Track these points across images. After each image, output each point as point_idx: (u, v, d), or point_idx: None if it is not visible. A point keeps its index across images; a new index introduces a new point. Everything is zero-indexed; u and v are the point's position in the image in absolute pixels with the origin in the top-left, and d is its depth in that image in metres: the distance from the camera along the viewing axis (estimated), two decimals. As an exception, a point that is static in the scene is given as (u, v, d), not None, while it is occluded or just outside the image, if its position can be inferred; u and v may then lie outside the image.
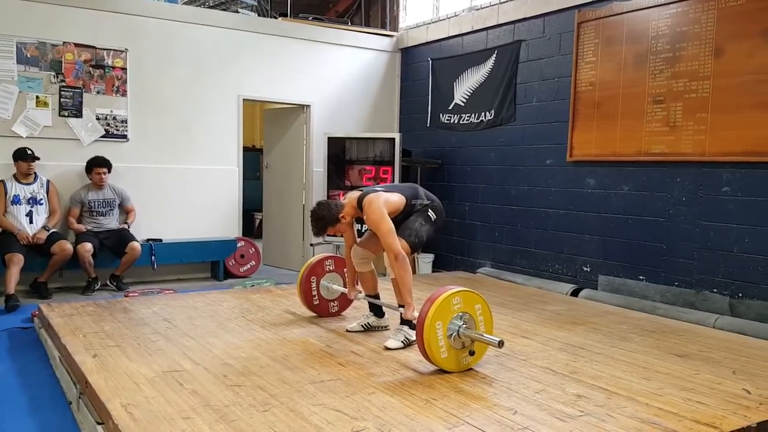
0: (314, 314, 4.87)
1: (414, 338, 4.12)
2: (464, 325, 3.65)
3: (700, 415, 3.05)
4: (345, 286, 4.76)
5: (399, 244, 4.02)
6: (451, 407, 3.07)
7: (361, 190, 4.28)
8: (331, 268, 4.89)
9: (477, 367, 3.70)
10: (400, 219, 4.26)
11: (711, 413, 3.07)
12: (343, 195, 7.63)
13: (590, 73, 6.22)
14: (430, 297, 3.64)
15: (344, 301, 4.92)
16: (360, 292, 4.60)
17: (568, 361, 3.87)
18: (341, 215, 4.20)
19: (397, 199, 4.22)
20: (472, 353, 3.71)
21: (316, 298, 4.84)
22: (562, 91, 6.51)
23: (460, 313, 3.65)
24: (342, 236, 4.51)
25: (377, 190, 4.25)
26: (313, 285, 4.82)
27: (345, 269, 4.76)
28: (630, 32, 5.87)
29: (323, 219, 4.17)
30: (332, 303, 4.91)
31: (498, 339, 3.55)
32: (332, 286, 4.84)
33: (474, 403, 3.14)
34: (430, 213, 4.28)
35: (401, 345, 4.07)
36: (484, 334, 3.67)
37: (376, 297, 4.52)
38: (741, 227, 5.13)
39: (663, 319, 5.14)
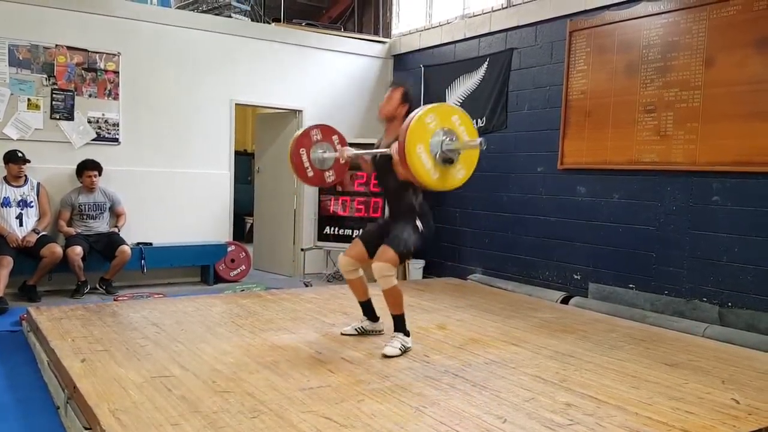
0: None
1: (410, 345, 4.14)
2: (447, 139, 3.61)
3: (689, 424, 3.06)
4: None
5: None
6: (441, 415, 3.07)
7: None
8: (318, 138, 4.72)
9: (467, 375, 3.70)
10: (392, 209, 4.29)
11: (700, 423, 3.08)
12: (335, 200, 7.71)
13: (582, 81, 6.24)
14: (404, 125, 3.64)
15: (339, 168, 4.78)
16: (350, 149, 4.51)
17: (558, 369, 3.88)
18: (406, 109, 4.15)
19: None
20: (452, 162, 3.70)
21: (310, 169, 4.68)
22: (554, 99, 6.53)
23: (439, 129, 3.61)
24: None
25: None
26: (304, 157, 4.65)
27: (333, 135, 4.70)
28: (621, 41, 5.90)
29: (407, 91, 4.19)
30: (327, 172, 4.76)
31: (479, 139, 3.58)
32: (323, 154, 4.70)
33: (464, 411, 3.14)
34: (419, 223, 4.20)
35: (399, 352, 4.06)
36: (466, 141, 3.65)
37: (368, 303, 4.51)
38: (731, 236, 5.16)
39: (652, 328, 5.16)
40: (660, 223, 5.63)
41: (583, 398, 3.37)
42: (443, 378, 3.64)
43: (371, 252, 4.22)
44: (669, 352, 4.38)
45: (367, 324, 4.53)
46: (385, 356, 4.01)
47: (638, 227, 5.80)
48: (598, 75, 6.11)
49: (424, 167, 3.58)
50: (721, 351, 4.51)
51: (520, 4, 7.02)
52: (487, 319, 5.24)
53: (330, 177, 4.81)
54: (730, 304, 5.15)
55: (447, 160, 3.72)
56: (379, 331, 4.53)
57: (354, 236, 7.58)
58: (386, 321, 4.50)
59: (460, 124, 3.74)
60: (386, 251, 4.05)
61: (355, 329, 4.53)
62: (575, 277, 6.33)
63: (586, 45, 6.21)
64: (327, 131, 4.77)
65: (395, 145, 3.85)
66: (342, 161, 4.61)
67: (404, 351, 4.09)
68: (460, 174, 3.70)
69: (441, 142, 3.66)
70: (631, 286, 5.84)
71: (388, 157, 4.04)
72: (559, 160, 6.45)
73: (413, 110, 4.02)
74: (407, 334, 4.18)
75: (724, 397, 3.49)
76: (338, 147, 4.67)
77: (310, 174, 4.71)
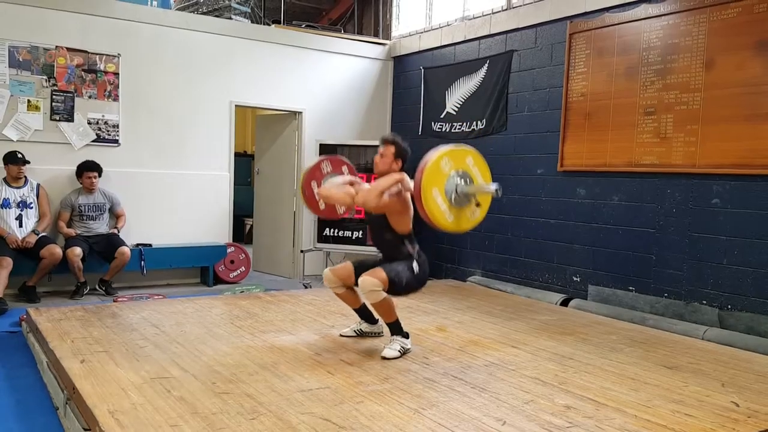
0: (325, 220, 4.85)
1: (409, 346, 4.13)
2: (461, 181, 3.65)
3: (688, 427, 3.06)
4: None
5: (372, 201, 3.99)
6: (440, 417, 3.06)
7: None
8: (328, 170, 4.76)
9: (466, 377, 3.70)
10: (385, 257, 4.23)
11: (699, 426, 3.08)
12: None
13: (582, 83, 6.25)
14: (420, 167, 3.66)
15: None
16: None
17: (558, 372, 3.88)
18: (400, 165, 4.16)
19: (410, 217, 4.16)
20: (478, 204, 3.73)
21: (321, 202, 4.72)
22: (554, 101, 6.54)
23: (453, 172, 3.63)
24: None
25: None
26: (315, 190, 4.69)
27: (342, 166, 4.72)
28: (621, 43, 5.91)
29: (400, 146, 4.17)
30: (338, 205, 4.77)
31: (494, 187, 3.66)
32: (334, 178, 4.68)
33: (463, 413, 3.14)
34: (415, 265, 4.13)
35: (398, 354, 4.06)
36: (481, 186, 3.71)
37: (362, 308, 4.49)
38: (730, 239, 5.16)
39: (652, 330, 5.16)
40: (660, 225, 5.63)
41: (583, 401, 3.37)
42: (442, 380, 3.64)
43: (358, 276, 4.17)
44: (669, 355, 4.38)
45: (365, 326, 4.53)
46: (385, 358, 4.01)
47: (638, 229, 5.80)
48: (598, 77, 6.11)
49: (439, 209, 3.60)
50: (721, 354, 4.50)
51: (520, 6, 7.03)
52: (487, 321, 5.24)
53: (341, 209, 4.87)
54: (729, 306, 5.15)
55: (461, 202, 3.72)
56: (378, 333, 4.53)
57: (353, 238, 7.61)
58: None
59: (474, 164, 3.78)
60: (377, 271, 4.01)
61: (354, 331, 4.53)
62: (575, 279, 6.33)
63: (586, 47, 6.21)
64: (336, 163, 4.83)
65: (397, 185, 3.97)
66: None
67: (404, 353, 4.09)
68: (475, 215, 3.72)
69: (456, 185, 3.68)
70: (630, 288, 5.84)
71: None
72: (559, 162, 6.45)
73: (405, 164, 4.14)
74: (406, 335, 4.18)
75: (724, 400, 3.49)
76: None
77: (322, 207, 4.76)
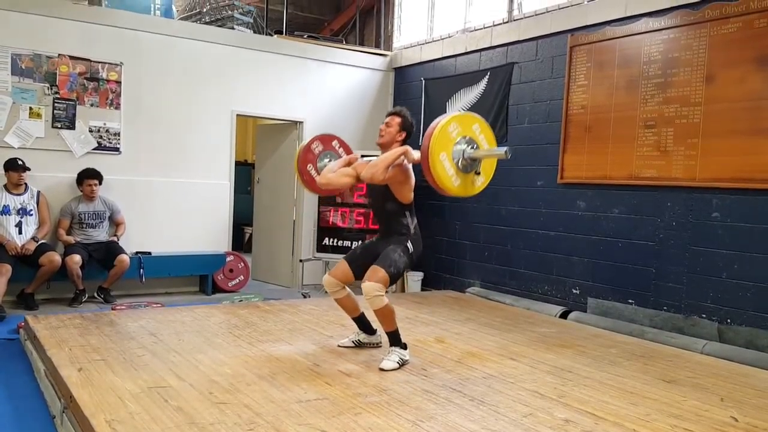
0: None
1: (408, 358, 4.13)
2: (468, 147, 3.70)
3: (686, 441, 3.05)
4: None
5: (380, 175, 3.99)
6: (438, 429, 3.05)
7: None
8: (320, 149, 4.80)
9: (465, 389, 3.69)
10: (384, 230, 4.28)
11: (698, 440, 3.07)
12: (334, 211, 7.72)
13: (582, 96, 6.26)
14: (427, 132, 3.74)
15: None
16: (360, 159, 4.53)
17: (557, 385, 3.87)
18: (404, 137, 4.19)
19: (411, 187, 4.21)
20: (478, 173, 3.80)
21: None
22: (554, 113, 6.55)
23: (460, 138, 3.69)
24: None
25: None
26: (313, 172, 4.72)
27: (332, 141, 4.81)
28: (622, 57, 5.93)
29: (407, 119, 4.21)
30: None
31: (504, 149, 3.73)
32: (330, 163, 4.71)
33: (461, 425, 3.13)
34: (409, 245, 4.18)
35: (396, 366, 4.04)
36: (490, 150, 3.80)
37: (361, 318, 4.49)
38: (730, 253, 5.16)
39: (651, 344, 5.15)
40: (660, 238, 5.63)
41: (582, 414, 3.36)
42: (441, 392, 3.63)
43: (357, 273, 4.22)
44: (668, 369, 4.37)
45: (363, 336, 4.52)
46: (383, 370, 4.00)
47: (638, 242, 5.80)
48: (598, 90, 6.12)
49: (446, 174, 3.70)
50: (720, 368, 4.49)
51: (521, 18, 7.06)
52: (486, 333, 5.23)
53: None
54: (729, 320, 5.14)
55: (468, 167, 3.80)
56: (377, 344, 4.52)
57: (352, 247, 7.60)
58: (383, 333, 4.50)
59: (480, 132, 3.88)
60: (376, 271, 4.02)
61: (352, 341, 4.52)
62: (574, 291, 6.32)
63: (586, 60, 6.23)
64: (326, 139, 4.86)
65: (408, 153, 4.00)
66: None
67: (402, 364, 4.08)
68: (479, 181, 3.81)
69: (462, 150, 3.78)
70: (630, 301, 5.83)
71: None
72: (559, 174, 6.46)
73: (410, 137, 4.18)
74: (404, 347, 4.17)
75: (723, 414, 3.48)
76: (341, 153, 4.75)
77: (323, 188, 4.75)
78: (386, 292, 4.06)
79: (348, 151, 4.90)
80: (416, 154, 4.00)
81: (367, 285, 3.99)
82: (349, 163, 4.44)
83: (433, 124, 3.82)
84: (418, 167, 3.96)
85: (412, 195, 4.23)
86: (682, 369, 4.39)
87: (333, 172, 4.36)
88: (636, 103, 5.79)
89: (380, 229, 4.37)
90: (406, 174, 4.14)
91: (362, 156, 4.60)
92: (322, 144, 4.82)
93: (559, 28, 6.53)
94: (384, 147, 4.20)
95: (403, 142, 4.18)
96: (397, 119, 4.21)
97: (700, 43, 5.35)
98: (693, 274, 5.39)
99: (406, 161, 4.08)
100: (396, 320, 4.13)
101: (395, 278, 4.13)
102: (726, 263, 5.18)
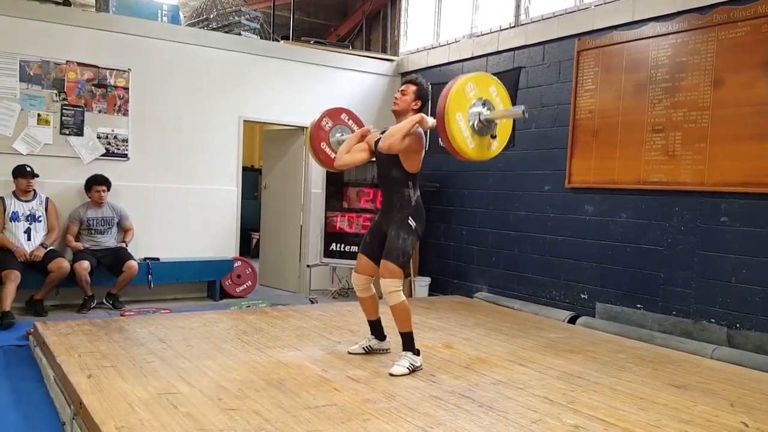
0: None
1: (419, 364, 4.12)
2: (485, 109, 3.72)
3: (697, 447, 3.03)
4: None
5: (398, 145, 4.01)
6: (448, 436, 3.05)
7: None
8: (330, 125, 4.82)
9: (474, 395, 3.68)
10: (385, 203, 4.29)
11: (709, 446, 3.06)
12: (341, 217, 7.72)
13: (589, 100, 6.25)
14: (444, 92, 3.73)
15: None
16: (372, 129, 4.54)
17: (566, 391, 3.85)
18: (419, 105, 4.19)
19: (421, 158, 4.23)
20: (494, 137, 3.81)
21: (332, 153, 4.80)
22: (562, 117, 6.55)
23: (476, 100, 3.69)
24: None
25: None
26: (327, 150, 4.76)
27: (341, 115, 4.82)
28: (630, 61, 5.92)
29: (422, 87, 4.21)
30: None
31: (521, 108, 3.72)
32: (342, 137, 4.75)
33: None
34: (410, 221, 4.17)
35: (406, 371, 4.04)
36: (506, 110, 3.80)
37: (377, 322, 4.50)
38: (739, 257, 5.14)
39: (660, 349, 5.13)
40: (668, 243, 5.62)
41: (592, 420, 3.35)
42: (450, 398, 3.62)
43: (377, 260, 4.25)
44: (677, 374, 4.35)
45: (374, 342, 4.52)
46: (393, 375, 3.99)
47: (646, 247, 5.78)
48: (606, 94, 6.12)
49: (461, 135, 3.72)
50: (730, 373, 4.47)
51: (528, 23, 7.06)
52: (494, 338, 5.22)
53: None
54: (738, 325, 5.12)
55: (483, 130, 3.84)
56: (386, 350, 4.51)
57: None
58: (393, 339, 4.50)
59: (496, 95, 3.90)
60: (388, 266, 4.08)
61: (363, 348, 4.51)
62: (582, 296, 6.31)
63: (594, 64, 6.23)
64: (334, 114, 4.88)
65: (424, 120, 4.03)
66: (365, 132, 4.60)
67: (413, 370, 4.07)
68: (495, 146, 3.82)
69: (478, 113, 3.81)
70: (638, 306, 5.81)
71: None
72: (566, 179, 6.45)
73: (425, 106, 4.20)
74: (417, 353, 4.16)
75: (733, 420, 3.46)
76: (351, 125, 4.81)
77: (332, 156, 4.78)
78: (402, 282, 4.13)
79: (359, 124, 4.91)
80: (431, 121, 4.03)
81: (383, 282, 4.08)
82: (362, 136, 4.47)
83: (449, 84, 3.83)
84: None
85: (419, 166, 4.24)
86: (691, 374, 4.37)
87: (347, 152, 4.40)
88: (644, 107, 5.78)
89: (382, 202, 4.37)
90: (421, 143, 4.17)
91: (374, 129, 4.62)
92: (332, 120, 4.85)
93: (566, 32, 6.53)
94: (399, 115, 4.22)
95: (418, 111, 4.18)
96: (413, 87, 4.21)
97: (708, 48, 5.34)
98: (702, 279, 5.38)
99: (420, 129, 4.10)
100: (412, 323, 4.15)
101: (406, 263, 4.18)
102: (735, 268, 5.16)
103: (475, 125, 3.83)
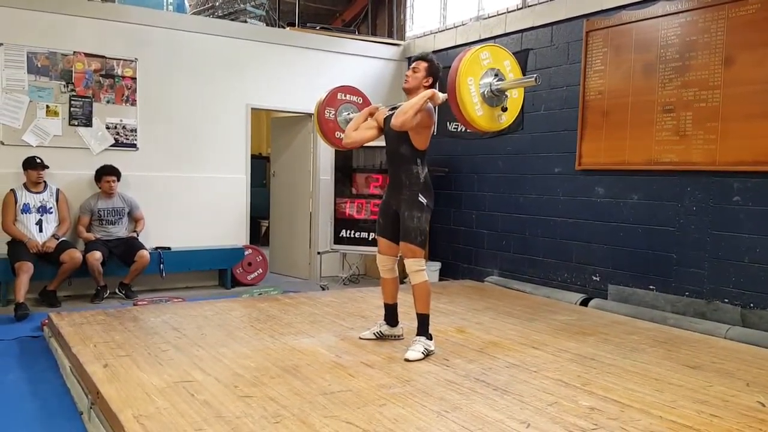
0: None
1: (433, 348, 4.13)
2: (497, 79, 3.77)
3: (714, 428, 3.03)
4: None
5: (411, 121, 4.02)
6: (464, 420, 3.06)
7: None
8: (344, 98, 4.96)
9: (488, 379, 3.68)
10: (393, 180, 4.30)
11: (725, 426, 3.06)
12: (350, 203, 7.72)
13: (599, 81, 6.21)
14: (458, 56, 3.81)
15: None
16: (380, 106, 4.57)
17: (580, 373, 3.85)
18: (430, 82, 4.21)
19: (430, 135, 4.26)
20: (504, 109, 3.86)
21: (339, 133, 4.86)
22: (571, 99, 6.50)
23: (490, 69, 3.76)
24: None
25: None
26: (338, 134, 4.84)
27: (338, 95, 4.93)
28: (639, 41, 5.87)
29: (434, 64, 4.23)
30: None
31: (533, 76, 3.80)
32: (349, 116, 4.79)
33: (486, 415, 3.13)
34: (421, 198, 4.19)
35: (421, 356, 4.05)
36: (518, 79, 3.87)
37: (394, 306, 4.50)
38: (752, 237, 5.11)
39: (674, 330, 5.11)
40: (680, 223, 5.59)
41: (607, 402, 3.35)
42: (464, 382, 3.63)
43: (395, 239, 4.30)
44: (691, 355, 4.35)
45: (385, 328, 4.52)
46: (408, 360, 4.00)
47: (658, 228, 5.76)
48: (615, 75, 6.07)
49: (471, 100, 3.78)
50: (744, 353, 4.46)
51: (536, 4, 7.00)
52: (506, 322, 5.22)
53: None
54: (752, 305, 5.10)
55: (494, 100, 3.90)
56: (398, 336, 4.52)
57: (369, 239, 7.60)
58: (405, 325, 4.51)
59: (510, 70, 3.97)
60: (409, 247, 4.16)
61: (374, 333, 4.52)
62: (594, 278, 6.29)
63: (603, 45, 6.18)
64: (351, 91, 4.98)
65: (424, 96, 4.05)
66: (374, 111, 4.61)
67: (427, 355, 4.08)
68: (503, 119, 3.85)
69: (490, 83, 3.86)
70: (651, 287, 5.80)
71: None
72: (576, 161, 6.42)
73: (436, 83, 4.21)
74: (430, 337, 4.17)
75: (750, 400, 3.45)
76: (350, 99, 4.94)
77: (339, 136, 4.87)
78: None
79: (355, 94, 4.98)
80: (442, 96, 4.03)
81: (407, 263, 4.18)
82: (370, 114, 4.49)
83: (465, 50, 3.93)
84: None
85: (428, 142, 4.26)
86: (706, 354, 4.36)
87: (355, 130, 4.42)
88: (654, 87, 5.74)
89: (390, 179, 4.38)
90: (431, 118, 4.19)
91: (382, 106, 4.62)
92: (334, 106, 4.91)
93: (574, 13, 6.47)
94: (410, 92, 4.22)
95: (430, 87, 4.18)
96: (424, 64, 4.21)
97: (718, 26, 5.29)
98: (714, 259, 5.35)
99: (431, 104, 4.10)
100: (429, 306, 4.18)
101: (425, 241, 4.22)
102: (748, 247, 5.13)
103: (486, 93, 3.86)
